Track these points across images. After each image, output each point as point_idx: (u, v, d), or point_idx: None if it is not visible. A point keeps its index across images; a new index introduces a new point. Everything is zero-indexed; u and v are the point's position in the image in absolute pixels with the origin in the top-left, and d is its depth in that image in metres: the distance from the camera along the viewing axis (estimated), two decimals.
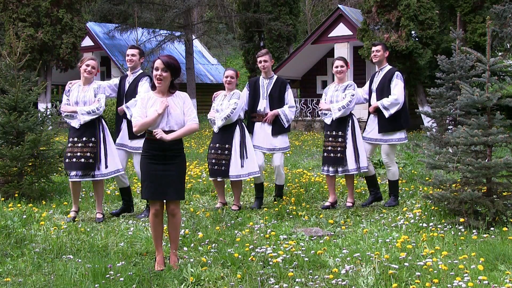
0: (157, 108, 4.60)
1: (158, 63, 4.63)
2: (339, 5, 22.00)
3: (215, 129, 7.03)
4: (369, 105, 7.21)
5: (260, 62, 7.22)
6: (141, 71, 6.88)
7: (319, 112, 7.37)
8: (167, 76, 4.66)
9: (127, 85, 6.80)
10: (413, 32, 15.40)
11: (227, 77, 7.07)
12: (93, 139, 6.52)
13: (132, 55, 6.77)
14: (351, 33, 20.23)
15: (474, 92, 5.84)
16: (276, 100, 7.20)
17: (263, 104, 7.22)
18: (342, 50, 20.95)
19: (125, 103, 6.70)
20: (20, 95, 7.85)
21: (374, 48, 7.19)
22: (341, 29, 21.05)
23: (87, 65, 6.52)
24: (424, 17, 15.22)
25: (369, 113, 7.22)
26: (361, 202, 7.40)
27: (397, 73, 7.07)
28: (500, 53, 16.82)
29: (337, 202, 7.27)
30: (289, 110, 7.23)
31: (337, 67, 7.07)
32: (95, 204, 6.84)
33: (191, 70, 23.21)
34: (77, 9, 18.72)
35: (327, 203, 7.18)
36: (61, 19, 17.95)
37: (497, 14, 14.39)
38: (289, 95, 7.30)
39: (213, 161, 6.98)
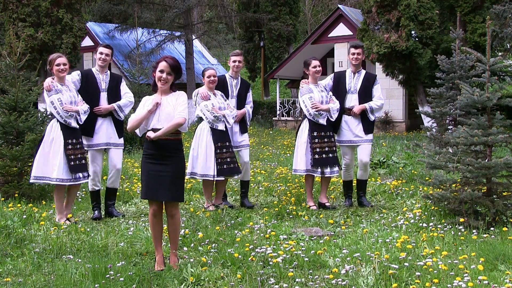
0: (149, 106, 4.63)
1: (164, 65, 4.60)
2: (339, 5, 22.01)
3: (221, 126, 6.97)
4: (344, 105, 7.11)
5: (235, 61, 7.32)
6: (108, 71, 6.90)
7: (313, 113, 6.94)
8: (171, 78, 4.67)
9: (103, 84, 6.74)
10: (413, 32, 15.38)
11: (209, 76, 6.99)
12: (80, 140, 6.53)
13: (106, 54, 6.70)
14: (351, 33, 20.22)
15: (474, 92, 5.83)
16: (243, 99, 7.41)
17: (231, 103, 7.27)
18: (342, 50, 20.95)
19: (109, 102, 6.69)
20: (20, 95, 7.86)
21: (355, 51, 7.08)
22: (341, 29, 21.06)
23: (58, 65, 6.39)
24: (424, 17, 15.20)
25: (344, 114, 7.11)
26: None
27: (377, 78, 7.29)
28: (500, 53, 16.78)
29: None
30: (250, 109, 7.51)
31: (315, 67, 7.09)
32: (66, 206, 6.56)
33: (191, 70, 23.20)
34: (77, 9, 18.67)
35: (314, 206, 7.11)
36: (61, 19, 17.93)
37: (497, 14, 14.36)
38: (251, 95, 7.53)
39: (228, 159, 6.98)
